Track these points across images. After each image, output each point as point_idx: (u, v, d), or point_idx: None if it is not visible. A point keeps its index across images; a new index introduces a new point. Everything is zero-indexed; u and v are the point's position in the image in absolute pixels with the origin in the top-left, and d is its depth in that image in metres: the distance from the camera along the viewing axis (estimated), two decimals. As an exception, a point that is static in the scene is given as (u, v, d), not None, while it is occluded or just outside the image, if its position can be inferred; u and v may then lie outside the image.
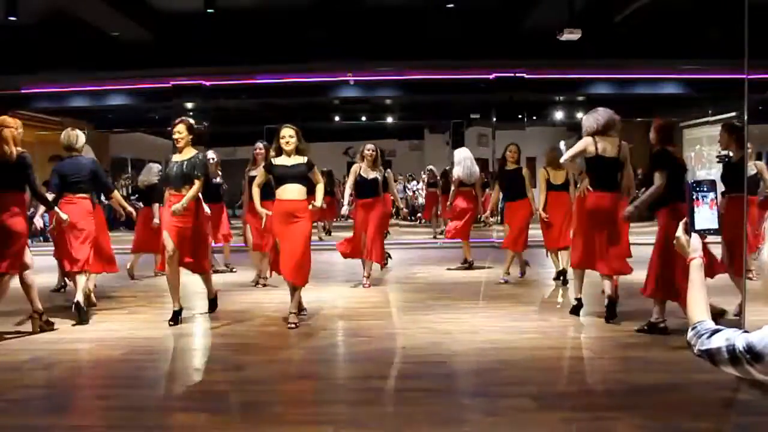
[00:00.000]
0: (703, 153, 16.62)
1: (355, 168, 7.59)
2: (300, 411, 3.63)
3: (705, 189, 1.79)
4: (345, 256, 7.78)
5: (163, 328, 5.67)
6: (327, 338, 5.10)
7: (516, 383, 4.06)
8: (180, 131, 5.56)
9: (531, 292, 7.34)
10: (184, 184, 5.50)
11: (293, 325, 5.44)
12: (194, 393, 4.07)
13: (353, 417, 3.57)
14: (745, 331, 1.52)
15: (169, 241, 5.45)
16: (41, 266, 8.61)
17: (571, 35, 9.05)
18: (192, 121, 5.79)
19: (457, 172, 8.55)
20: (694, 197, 1.78)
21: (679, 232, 1.81)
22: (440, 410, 3.60)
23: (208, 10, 9.27)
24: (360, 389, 4.08)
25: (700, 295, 1.71)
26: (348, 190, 7.58)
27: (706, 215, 1.78)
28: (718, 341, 1.55)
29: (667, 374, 4.09)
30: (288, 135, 5.55)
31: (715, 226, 1.78)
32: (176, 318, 5.64)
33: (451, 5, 10.15)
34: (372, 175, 7.52)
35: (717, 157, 16.05)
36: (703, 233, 1.78)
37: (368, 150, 7.60)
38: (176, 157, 5.65)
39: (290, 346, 5.05)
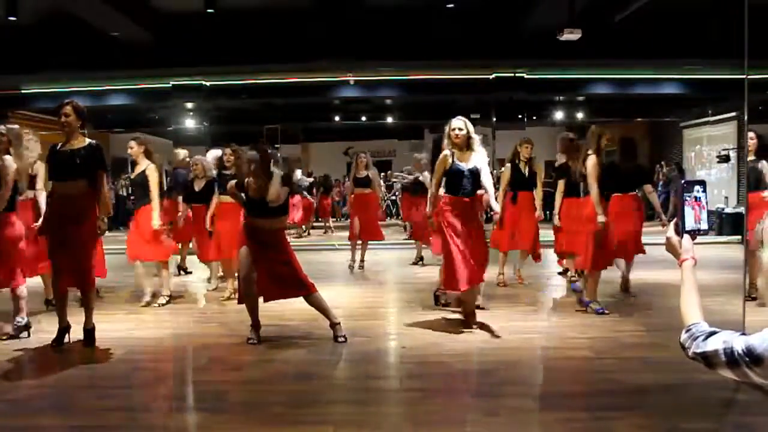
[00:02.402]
0: (703, 153, 16.61)
1: (445, 157, 5.37)
2: (300, 411, 3.63)
3: (695, 189, 1.78)
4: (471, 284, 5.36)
5: (163, 328, 5.68)
6: (327, 338, 5.10)
7: (516, 383, 4.06)
8: None
9: (531, 293, 7.33)
10: None
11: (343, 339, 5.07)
12: (194, 393, 4.07)
13: (353, 417, 3.56)
14: (743, 334, 1.50)
15: None
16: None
17: (571, 35, 9.06)
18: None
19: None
20: (686, 198, 1.77)
21: (670, 232, 1.79)
22: (440, 410, 3.60)
23: (208, 10, 9.28)
24: (360, 389, 4.08)
25: (693, 297, 1.68)
26: (433, 187, 5.51)
27: (696, 216, 1.77)
28: (715, 344, 1.52)
29: (667, 374, 4.09)
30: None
31: (705, 226, 1.78)
32: (60, 338, 4.98)
33: (451, 5, 10.16)
34: (471, 163, 5.39)
35: (717, 156, 16.10)
36: (693, 233, 1.77)
37: (456, 128, 5.39)
38: None
39: (290, 346, 5.05)
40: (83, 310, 5.02)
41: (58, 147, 5.01)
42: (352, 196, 9.27)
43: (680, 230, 1.78)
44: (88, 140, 5.04)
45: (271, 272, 4.98)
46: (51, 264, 5.07)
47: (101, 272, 6.01)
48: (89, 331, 5.01)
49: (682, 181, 1.82)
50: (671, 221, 1.85)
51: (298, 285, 5.06)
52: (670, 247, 1.80)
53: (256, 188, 4.99)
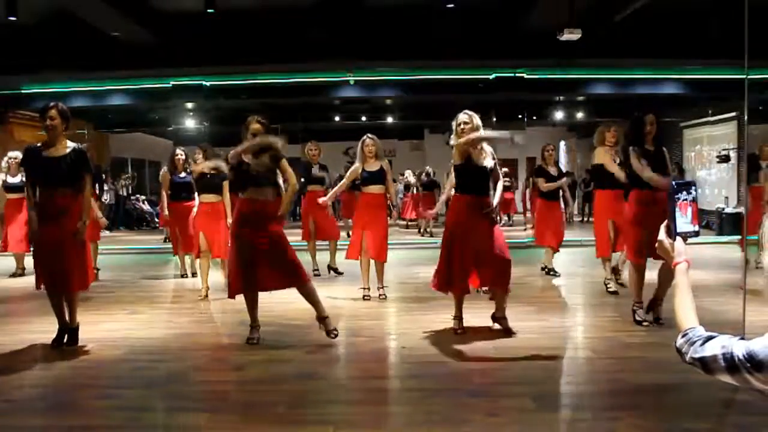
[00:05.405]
0: (703, 153, 16.61)
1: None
2: (300, 411, 3.63)
3: (685, 191, 1.74)
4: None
5: (163, 328, 5.68)
6: (327, 338, 5.09)
7: (516, 383, 4.06)
8: None
9: (531, 292, 7.33)
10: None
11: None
12: (194, 393, 4.07)
13: (353, 417, 3.57)
14: (742, 338, 1.47)
15: None
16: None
17: (571, 35, 9.05)
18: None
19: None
20: (676, 199, 1.73)
21: (662, 235, 1.75)
22: (440, 410, 3.60)
23: (208, 10, 9.27)
24: (360, 389, 4.08)
25: (687, 301, 1.65)
26: (446, 186, 5.52)
27: (686, 218, 1.74)
28: (713, 348, 1.49)
29: (667, 374, 4.08)
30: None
31: (696, 228, 1.74)
32: (60, 338, 5.00)
33: (451, 5, 10.14)
34: (482, 161, 5.14)
35: (717, 156, 16.11)
36: (685, 236, 1.73)
37: (462, 123, 5.13)
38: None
39: (290, 346, 5.05)
40: (67, 311, 4.97)
41: (41, 151, 4.84)
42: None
43: (672, 233, 1.74)
44: (71, 144, 4.91)
45: (269, 261, 4.88)
46: (41, 269, 4.97)
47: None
48: (73, 330, 5.00)
49: (673, 183, 1.76)
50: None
51: (292, 274, 4.91)
52: (662, 250, 1.76)
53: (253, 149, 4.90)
